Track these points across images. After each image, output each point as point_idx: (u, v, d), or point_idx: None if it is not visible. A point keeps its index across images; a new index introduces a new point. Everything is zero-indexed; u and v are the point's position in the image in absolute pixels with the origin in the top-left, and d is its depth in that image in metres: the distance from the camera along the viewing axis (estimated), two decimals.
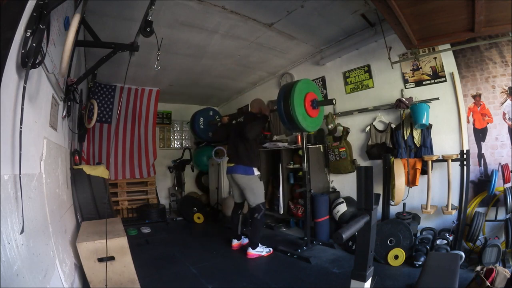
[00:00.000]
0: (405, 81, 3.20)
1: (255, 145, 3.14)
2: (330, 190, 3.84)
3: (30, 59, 1.12)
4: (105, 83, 4.42)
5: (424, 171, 2.88)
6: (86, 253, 1.86)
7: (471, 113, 2.80)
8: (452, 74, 2.87)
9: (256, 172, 3.05)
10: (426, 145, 2.97)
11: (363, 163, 3.55)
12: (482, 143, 2.75)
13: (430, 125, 2.95)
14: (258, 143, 3.39)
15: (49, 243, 1.46)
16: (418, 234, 2.83)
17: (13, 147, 1.09)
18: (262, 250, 3.00)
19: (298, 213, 3.77)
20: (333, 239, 2.30)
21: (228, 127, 3.29)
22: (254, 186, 3.02)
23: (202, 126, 3.89)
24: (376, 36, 3.27)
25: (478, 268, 1.94)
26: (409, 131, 3.06)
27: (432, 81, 3.03)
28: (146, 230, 3.98)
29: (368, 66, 3.52)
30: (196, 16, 2.83)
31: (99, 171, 2.70)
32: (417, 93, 3.09)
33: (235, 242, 3.24)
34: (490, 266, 1.86)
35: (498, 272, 1.77)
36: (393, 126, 3.23)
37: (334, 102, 2.62)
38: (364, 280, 1.26)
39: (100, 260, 1.89)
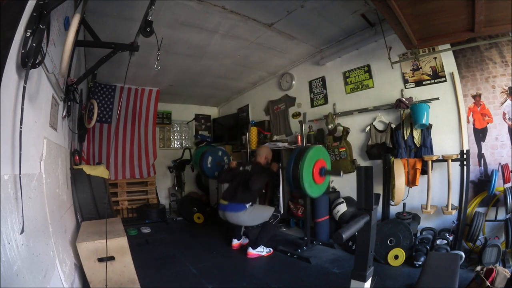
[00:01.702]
0: (405, 81, 3.20)
1: (257, 193, 3.14)
2: (330, 190, 3.84)
3: (30, 59, 1.12)
4: (105, 83, 4.42)
5: (424, 171, 2.88)
6: (86, 253, 1.86)
7: (471, 113, 2.80)
8: (452, 74, 2.88)
9: (248, 206, 3.00)
10: (426, 145, 2.97)
11: (363, 163, 3.55)
12: (482, 143, 2.75)
13: (430, 125, 2.95)
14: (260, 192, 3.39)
15: (49, 243, 1.46)
16: (418, 234, 2.83)
17: (13, 147, 1.09)
18: (262, 250, 3.00)
19: (298, 213, 3.77)
20: (333, 239, 2.31)
21: (234, 172, 3.29)
22: (251, 216, 2.98)
23: (209, 166, 3.97)
24: (376, 36, 3.27)
25: (478, 268, 1.94)
26: (409, 131, 3.06)
27: (432, 81, 3.03)
28: (146, 230, 3.98)
29: (368, 66, 3.52)
30: (196, 16, 2.83)
31: (99, 171, 2.70)
32: (417, 93, 3.09)
33: (235, 242, 3.24)
34: (490, 266, 1.86)
35: (498, 272, 1.77)
36: (393, 126, 3.23)
37: (341, 175, 2.72)
38: (364, 280, 1.26)
39: (100, 260, 1.88)
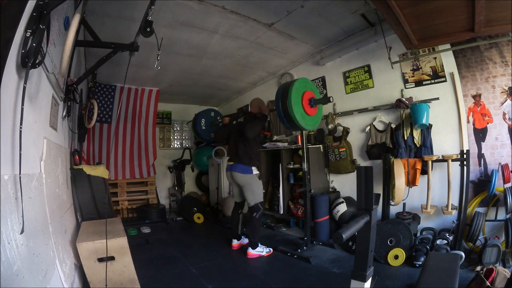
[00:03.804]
0: (405, 81, 3.20)
1: (255, 144, 3.16)
2: (330, 190, 3.84)
3: (30, 59, 1.12)
4: (105, 83, 4.42)
5: (424, 171, 2.88)
6: (86, 253, 1.86)
7: (471, 113, 2.80)
8: (452, 74, 2.88)
9: (255, 171, 3.06)
10: (426, 145, 2.97)
11: (363, 163, 3.55)
12: (482, 143, 2.75)
13: (430, 125, 2.95)
14: (258, 143, 3.40)
15: (49, 243, 1.46)
16: (418, 234, 2.83)
17: (13, 147, 1.09)
18: (262, 250, 3.00)
19: (298, 213, 3.77)
20: (333, 239, 2.31)
21: (229, 127, 3.31)
22: (252, 185, 3.03)
23: (204, 127, 3.92)
24: (376, 36, 3.27)
25: (478, 268, 1.94)
26: (409, 131, 3.06)
27: (432, 81, 3.03)
28: (146, 230, 3.98)
29: (368, 66, 3.52)
30: (196, 16, 2.83)
31: (99, 171, 2.70)
32: (417, 93, 3.09)
33: (235, 242, 3.24)
34: (490, 266, 1.86)
35: (498, 272, 1.77)
36: (393, 126, 3.23)
37: (332, 100, 2.63)
38: (364, 280, 1.26)
39: (100, 260, 1.89)
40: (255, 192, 3.03)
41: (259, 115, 3.17)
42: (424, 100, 2.99)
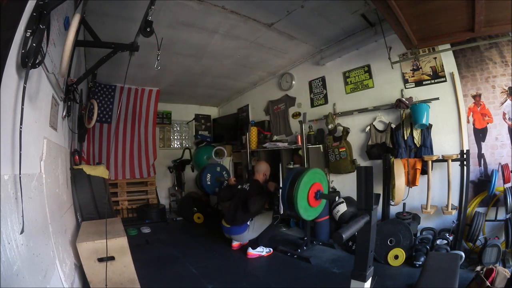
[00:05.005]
0: (405, 81, 3.20)
1: (255, 213, 3.16)
2: (330, 190, 3.84)
3: (30, 59, 1.12)
4: (105, 83, 4.42)
5: (424, 171, 2.88)
6: (86, 253, 1.86)
7: (471, 113, 2.80)
8: (452, 74, 2.88)
9: (249, 222, 3.06)
10: (426, 145, 2.97)
11: (363, 163, 3.55)
12: (482, 143, 2.75)
13: (430, 125, 2.95)
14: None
15: (49, 243, 1.46)
16: (418, 234, 2.83)
17: (13, 147, 1.09)
18: (262, 250, 3.00)
19: None
20: (333, 239, 2.30)
21: (233, 190, 3.31)
22: (254, 229, 3.03)
23: (209, 182, 4.01)
24: (376, 36, 3.27)
25: (478, 268, 1.94)
26: (409, 131, 3.06)
27: (432, 81, 3.03)
28: (146, 230, 3.98)
29: (368, 66, 3.52)
30: (196, 16, 2.83)
31: (99, 171, 2.70)
32: (417, 93, 3.09)
33: (235, 242, 3.24)
34: (490, 266, 1.86)
35: (498, 272, 1.77)
36: (393, 126, 3.23)
37: (337, 199, 2.64)
38: (364, 280, 1.26)
39: (100, 260, 1.88)
40: (261, 225, 3.04)
41: (265, 186, 3.19)
42: (424, 100, 2.99)
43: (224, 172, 4.24)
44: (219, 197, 3.70)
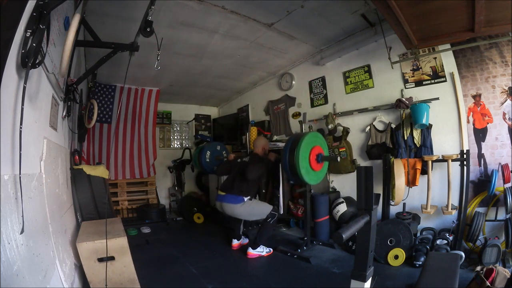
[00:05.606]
0: (405, 81, 3.20)
1: (254, 184, 3.12)
2: (330, 190, 3.84)
3: (30, 59, 1.12)
4: (105, 83, 4.42)
5: (424, 171, 2.88)
6: (86, 253, 1.86)
7: (471, 113, 2.80)
8: (452, 74, 2.88)
9: (246, 199, 2.98)
10: (426, 145, 2.97)
11: (363, 163, 3.55)
12: (482, 143, 2.75)
13: (430, 125, 2.95)
14: (258, 183, 3.37)
15: (49, 243, 1.46)
16: (418, 234, 2.83)
17: (13, 147, 1.09)
18: (262, 250, 3.00)
19: (298, 213, 3.77)
20: (333, 239, 2.31)
21: (232, 164, 3.30)
22: (248, 210, 2.96)
23: (208, 160, 3.96)
24: (376, 36, 3.27)
25: (478, 268, 1.94)
26: (409, 131, 3.06)
27: (432, 81, 3.03)
28: (146, 230, 3.98)
29: (368, 66, 3.52)
30: (196, 16, 2.83)
31: (99, 171, 2.70)
32: (417, 93, 3.09)
33: (235, 242, 3.24)
34: (490, 266, 1.86)
35: (498, 272, 1.77)
36: (393, 126, 3.23)
37: (339, 160, 2.68)
38: (364, 280, 1.26)
39: (100, 260, 1.88)
40: (258, 212, 2.99)
41: (264, 157, 3.17)
42: (424, 100, 2.99)
43: (224, 152, 4.20)
44: (217, 172, 3.63)
